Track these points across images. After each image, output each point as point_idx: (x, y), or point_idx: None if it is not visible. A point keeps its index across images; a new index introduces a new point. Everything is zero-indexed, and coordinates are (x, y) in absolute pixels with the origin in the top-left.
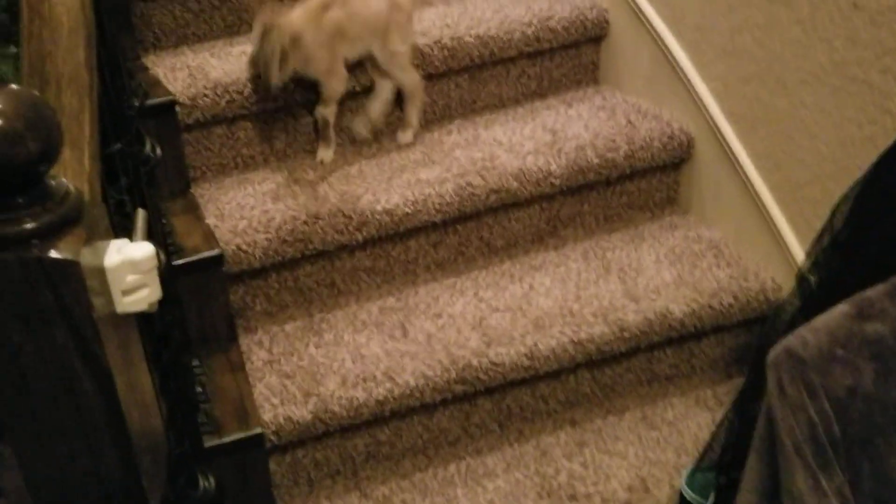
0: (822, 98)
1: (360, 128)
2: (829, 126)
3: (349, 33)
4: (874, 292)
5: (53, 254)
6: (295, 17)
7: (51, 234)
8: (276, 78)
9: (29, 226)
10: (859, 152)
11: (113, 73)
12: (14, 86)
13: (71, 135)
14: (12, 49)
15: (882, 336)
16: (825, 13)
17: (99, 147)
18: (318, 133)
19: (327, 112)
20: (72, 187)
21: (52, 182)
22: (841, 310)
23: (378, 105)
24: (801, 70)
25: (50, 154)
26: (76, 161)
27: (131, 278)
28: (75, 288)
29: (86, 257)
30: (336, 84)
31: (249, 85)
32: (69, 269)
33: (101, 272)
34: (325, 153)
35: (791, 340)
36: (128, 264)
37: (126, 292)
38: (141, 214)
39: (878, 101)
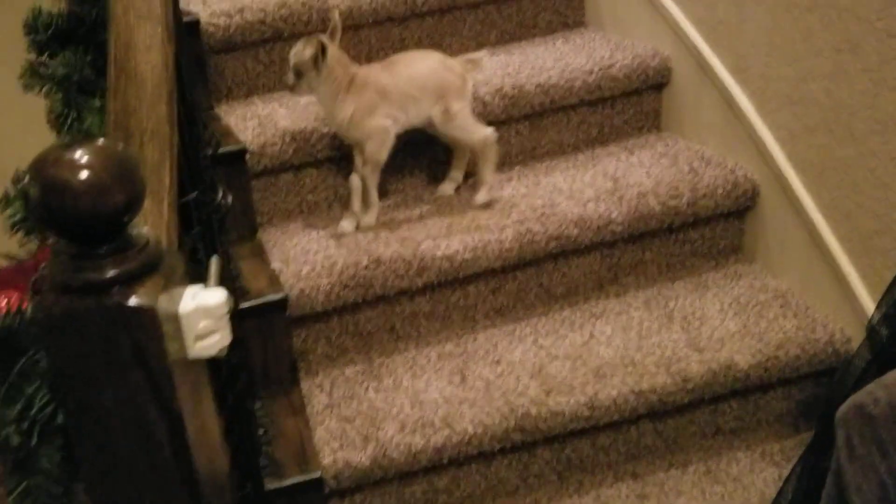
0: (893, 147)
1: (448, 189)
2: None
3: (393, 95)
4: None
5: (132, 300)
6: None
7: (131, 281)
8: (290, 81)
9: (111, 273)
10: None
11: (190, 125)
12: (102, 140)
13: (152, 186)
14: (97, 102)
15: None
16: (893, 62)
17: (177, 196)
18: (364, 198)
19: (366, 172)
20: (151, 236)
21: (134, 231)
22: None
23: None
24: (870, 119)
25: (133, 205)
26: (156, 210)
27: (204, 324)
28: (151, 333)
29: (162, 304)
30: (374, 147)
31: (315, 133)
32: (146, 315)
33: (175, 318)
34: (370, 217)
35: (861, 396)
36: (201, 310)
37: (199, 337)
38: (214, 262)
39: None
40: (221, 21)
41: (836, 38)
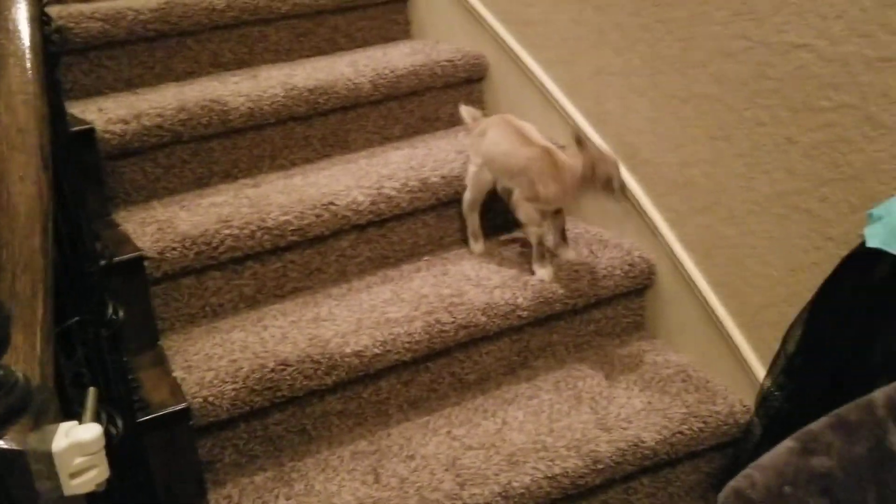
0: (769, 226)
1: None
2: (777, 252)
3: None
4: (817, 426)
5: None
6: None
7: None
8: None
9: None
10: (807, 277)
11: (74, 243)
12: None
13: (24, 320)
14: None
15: (829, 470)
16: (763, 148)
17: (52, 327)
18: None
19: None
20: (21, 375)
21: (2, 372)
22: (786, 445)
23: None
24: (747, 200)
25: None
26: (28, 346)
27: (79, 460)
28: (20, 477)
29: (32, 444)
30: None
31: (218, 235)
32: (14, 458)
33: (48, 457)
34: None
35: (739, 481)
36: (75, 447)
37: (74, 475)
38: (91, 394)
39: (819, 228)
40: (118, 128)
41: (711, 127)
